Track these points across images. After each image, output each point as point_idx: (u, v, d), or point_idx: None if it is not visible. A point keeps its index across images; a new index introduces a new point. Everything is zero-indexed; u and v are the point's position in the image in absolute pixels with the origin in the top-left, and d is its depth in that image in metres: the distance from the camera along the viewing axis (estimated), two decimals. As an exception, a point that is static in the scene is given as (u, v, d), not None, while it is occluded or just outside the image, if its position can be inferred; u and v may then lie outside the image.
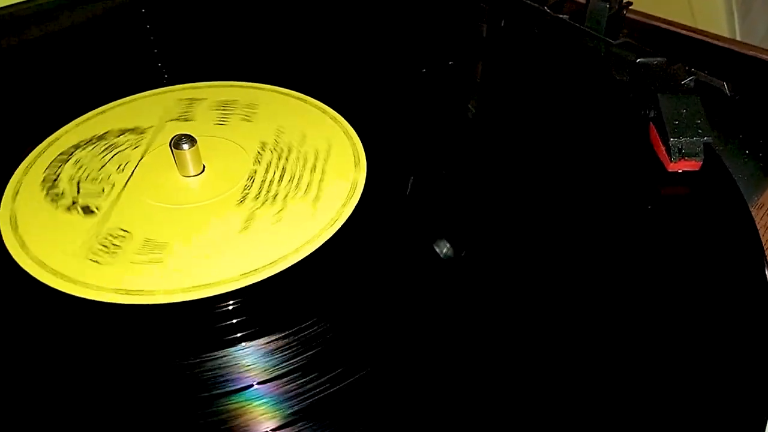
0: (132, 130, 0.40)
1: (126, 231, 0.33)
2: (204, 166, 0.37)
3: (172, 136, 0.36)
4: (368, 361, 0.28)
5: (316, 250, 0.32)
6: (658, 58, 0.40)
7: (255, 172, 0.37)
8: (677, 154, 0.36)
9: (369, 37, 0.51)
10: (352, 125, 0.40)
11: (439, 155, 0.40)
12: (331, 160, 0.38)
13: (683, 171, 0.37)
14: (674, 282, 0.31)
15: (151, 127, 0.40)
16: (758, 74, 0.44)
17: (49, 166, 0.37)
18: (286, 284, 0.31)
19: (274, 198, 0.35)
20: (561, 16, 0.46)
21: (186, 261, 0.32)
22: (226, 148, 0.38)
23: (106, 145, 0.38)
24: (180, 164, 0.36)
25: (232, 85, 0.44)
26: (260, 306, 0.30)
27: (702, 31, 0.49)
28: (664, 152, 0.37)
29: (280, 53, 0.48)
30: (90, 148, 0.38)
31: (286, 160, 0.38)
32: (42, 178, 0.36)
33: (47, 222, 0.34)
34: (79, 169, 0.37)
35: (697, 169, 0.36)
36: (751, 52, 0.45)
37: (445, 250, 0.33)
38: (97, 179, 0.36)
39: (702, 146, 0.36)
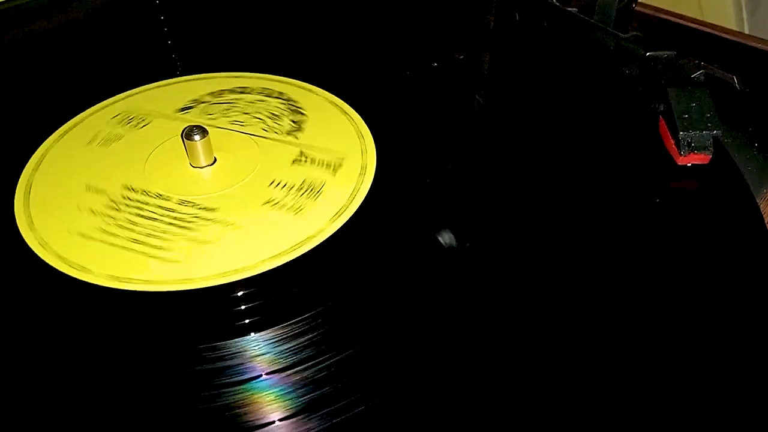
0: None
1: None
2: (215, 157, 0.37)
3: (184, 127, 0.37)
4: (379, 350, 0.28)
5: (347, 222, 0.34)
6: (668, 52, 0.40)
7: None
8: (686, 148, 0.36)
9: (377, 31, 0.51)
10: (366, 122, 0.40)
11: (449, 148, 0.40)
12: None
13: (692, 164, 0.37)
14: (682, 274, 0.31)
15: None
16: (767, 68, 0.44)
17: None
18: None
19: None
20: (570, 9, 0.46)
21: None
22: (236, 138, 0.39)
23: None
24: (191, 155, 0.36)
25: (240, 76, 0.44)
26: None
27: (711, 24, 0.49)
28: (673, 145, 0.37)
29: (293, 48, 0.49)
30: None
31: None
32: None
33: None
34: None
35: (706, 162, 0.37)
36: (760, 45, 0.45)
37: (451, 241, 0.33)
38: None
39: (711, 140, 0.36)
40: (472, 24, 0.51)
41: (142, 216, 0.34)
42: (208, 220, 0.34)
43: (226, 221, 0.33)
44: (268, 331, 0.28)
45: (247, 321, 0.29)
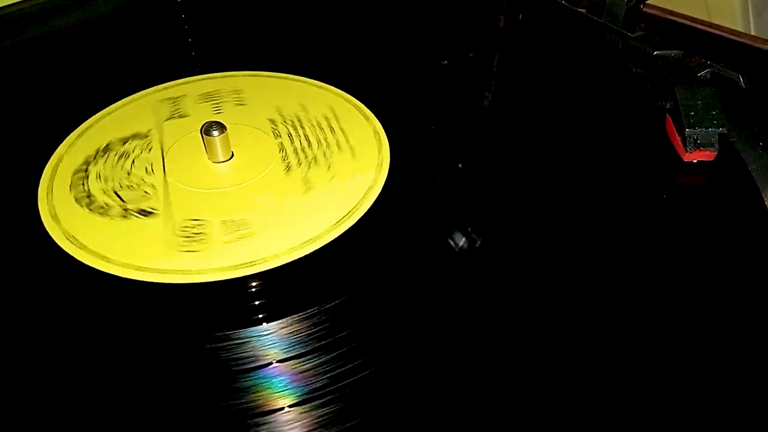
0: (134, 136, 0.40)
1: (198, 219, 0.34)
2: (232, 152, 0.38)
3: (203, 123, 0.38)
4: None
5: (379, 195, 0.35)
6: (675, 51, 0.41)
7: (281, 144, 0.39)
8: (692, 145, 0.37)
9: (387, 29, 0.52)
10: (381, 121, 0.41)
11: (459, 146, 0.41)
12: (342, 119, 0.40)
13: (698, 161, 0.37)
14: (688, 270, 0.32)
15: (151, 129, 0.40)
16: (773, 68, 0.45)
17: (72, 186, 0.37)
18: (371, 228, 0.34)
19: (315, 160, 0.37)
20: (579, 9, 0.46)
21: (273, 228, 0.34)
22: (242, 131, 0.40)
23: (117, 155, 0.39)
24: (211, 151, 0.37)
25: (204, 78, 0.45)
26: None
27: (717, 25, 0.50)
28: (679, 143, 0.38)
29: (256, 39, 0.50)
30: (102, 161, 0.38)
31: (302, 127, 0.40)
32: (74, 199, 0.36)
33: (114, 233, 0.34)
34: (106, 181, 0.37)
35: (711, 159, 0.37)
36: (765, 47, 0.45)
37: (462, 243, 0.34)
38: (132, 185, 0.37)
39: (717, 137, 0.37)
40: (482, 23, 0.52)
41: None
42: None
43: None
44: (281, 320, 0.29)
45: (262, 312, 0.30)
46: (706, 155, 0.37)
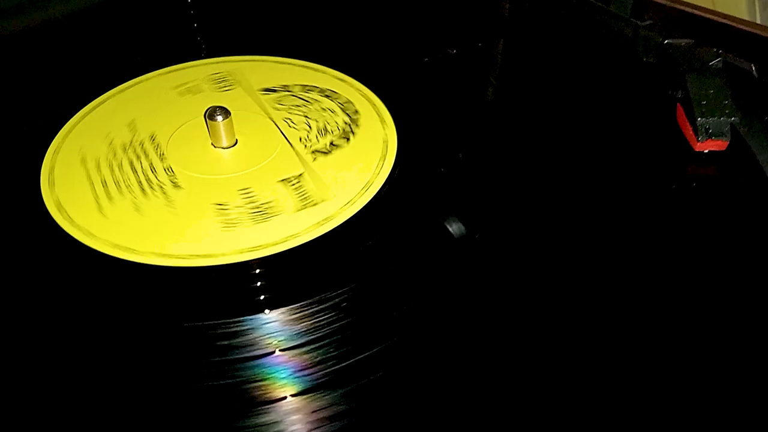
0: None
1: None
2: (236, 139, 0.37)
3: (207, 108, 0.37)
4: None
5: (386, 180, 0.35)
6: (686, 40, 0.41)
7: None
8: (704, 134, 0.37)
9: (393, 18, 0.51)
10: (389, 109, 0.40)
11: (467, 135, 0.40)
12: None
13: (709, 151, 0.37)
14: (698, 261, 0.31)
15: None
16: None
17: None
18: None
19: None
20: (587, -3, 0.46)
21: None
22: (243, 117, 0.39)
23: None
24: (214, 136, 0.37)
25: (208, 62, 0.44)
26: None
27: (724, 14, 0.49)
28: (690, 132, 0.37)
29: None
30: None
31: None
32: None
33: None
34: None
35: (723, 149, 0.37)
36: (775, 36, 0.45)
37: (458, 229, 0.33)
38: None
39: (728, 126, 0.37)
40: (490, 12, 0.51)
41: (132, 166, 0.36)
42: (164, 194, 0.34)
43: (172, 203, 0.34)
44: (284, 309, 0.29)
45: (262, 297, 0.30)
46: (718, 145, 0.37)
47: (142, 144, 0.37)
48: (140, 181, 0.35)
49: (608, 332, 0.28)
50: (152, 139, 0.38)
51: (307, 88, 0.42)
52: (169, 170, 0.36)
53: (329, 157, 0.37)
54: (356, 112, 0.40)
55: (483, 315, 0.29)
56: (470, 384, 0.27)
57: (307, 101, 0.41)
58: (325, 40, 0.47)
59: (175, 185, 0.35)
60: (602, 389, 0.26)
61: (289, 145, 0.37)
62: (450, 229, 0.33)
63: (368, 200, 0.34)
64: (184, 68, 0.43)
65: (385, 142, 0.38)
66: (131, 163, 0.36)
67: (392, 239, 0.33)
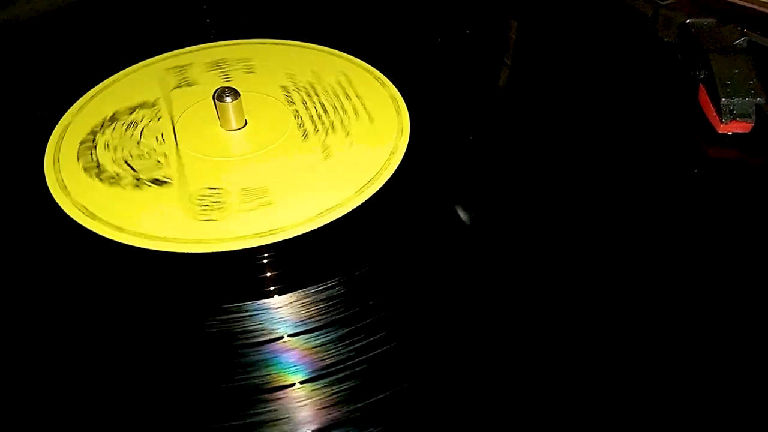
0: (141, 105, 0.38)
1: (215, 188, 0.33)
2: (246, 119, 0.37)
3: (215, 89, 0.36)
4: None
5: (401, 162, 0.34)
6: (708, 19, 0.39)
7: (297, 111, 0.37)
8: (728, 115, 0.35)
9: None
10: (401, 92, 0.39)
11: (481, 118, 0.39)
12: (356, 85, 0.39)
13: (733, 133, 0.36)
14: (721, 246, 0.30)
15: (159, 98, 0.39)
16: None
17: (80, 156, 0.35)
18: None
19: (333, 126, 0.36)
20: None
21: (291, 198, 0.32)
22: (254, 99, 0.38)
23: (125, 124, 0.37)
24: (224, 118, 0.36)
25: (212, 46, 0.43)
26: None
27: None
28: (714, 114, 0.36)
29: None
30: (109, 130, 0.37)
31: (317, 94, 0.38)
32: (83, 168, 0.34)
33: (125, 201, 0.32)
34: (115, 150, 0.35)
35: (747, 131, 0.36)
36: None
37: (464, 215, 0.33)
38: (143, 155, 0.35)
39: (753, 107, 0.35)
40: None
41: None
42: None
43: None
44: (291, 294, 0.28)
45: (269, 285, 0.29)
46: (742, 127, 0.36)
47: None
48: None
49: (628, 317, 0.28)
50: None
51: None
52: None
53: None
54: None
55: (495, 305, 0.28)
56: (481, 375, 0.26)
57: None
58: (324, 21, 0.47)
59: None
60: (620, 379, 0.26)
61: (302, 123, 0.37)
62: (461, 216, 0.32)
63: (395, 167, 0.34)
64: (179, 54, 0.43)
65: (398, 110, 0.37)
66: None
67: (413, 219, 0.32)
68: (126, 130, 0.37)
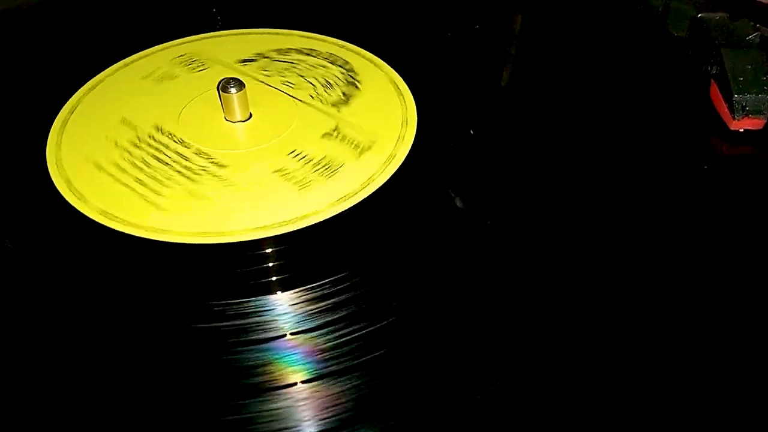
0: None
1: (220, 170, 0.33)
2: (251, 112, 0.36)
3: (220, 79, 0.35)
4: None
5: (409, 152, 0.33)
6: (720, 14, 0.39)
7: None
8: (741, 112, 0.35)
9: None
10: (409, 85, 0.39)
11: (490, 113, 0.39)
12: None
13: (745, 130, 0.35)
14: (732, 244, 0.30)
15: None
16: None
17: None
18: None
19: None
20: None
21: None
22: (261, 90, 0.38)
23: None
24: (228, 109, 0.35)
25: (217, 35, 0.43)
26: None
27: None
28: (726, 110, 0.36)
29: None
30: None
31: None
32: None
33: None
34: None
35: (760, 127, 0.35)
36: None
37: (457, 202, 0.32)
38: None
39: (767, 103, 0.35)
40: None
41: (157, 158, 0.33)
42: (215, 176, 0.33)
43: (230, 180, 0.32)
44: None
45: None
46: (755, 123, 0.35)
47: (152, 137, 0.35)
48: (180, 171, 0.33)
49: (642, 316, 0.27)
50: (159, 129, 0.35)
51: (282, 51, 0.41)
52: (201, 154, 0.34)
53: (350, 105, 0.36)
54: (346, 62, 0.40)
55: (505, 300, 0.28)
56: (490, 372, 0.25)
57: (292, 62, 0.40)
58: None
59: (218, 164, 0.33)
60: (634, 371, 0.25)
61: (305, 104, 0.37)
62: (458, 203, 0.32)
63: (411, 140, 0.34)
64: (144, 56, 0.41)
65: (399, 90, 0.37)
66: (156, 157, 0.34)
67: (423, 210, 0.32)
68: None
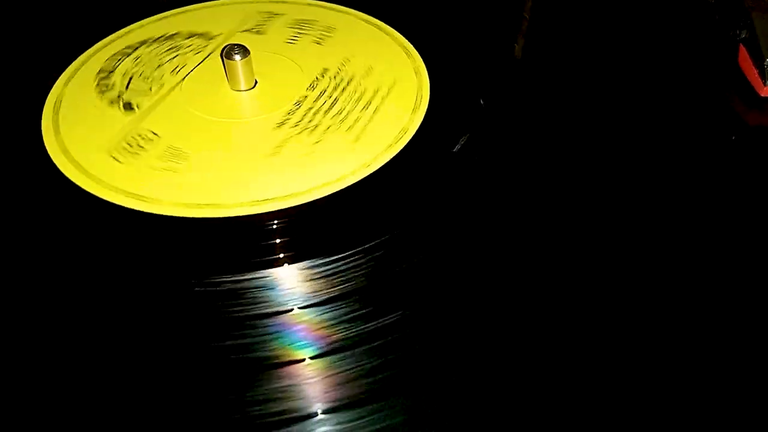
0: (201, 35, 0.38)
1: (155, 134, 0.32)
2: (256, 82, 0.35)
3: (224, 45, 0.34)
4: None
5: (342, 189, 0.30)
6: (750, -24, 0.37)
7: (305, 97, 0.34)
8: (772, 77, 0.33)
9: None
10: (425, 61, 0.37)
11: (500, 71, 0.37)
12: (390, 100, 0.34)
13: (776, 96, 0.34)
14: (762, 216, 0.29)
15: (221, 34, 0.38)
16: None
17: (111, 57, 0.37)
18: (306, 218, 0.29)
19: (315, 128, 0.33)
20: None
21: (201, 176, 0.30)
22: (286, 68, 0.36)
23: (171, 46, 0.37)
24: (231, 76, 0.34)
25: (313, 4, 0.41)
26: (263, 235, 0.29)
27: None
28: (756, 76, 0.35)
29: None
30: (155, 45, 0.37)
31: (342, 91, 0.35)
32: (99, 69, 0.36)
33: (88, 112, 0.33)
34: (137, 64, 0.36)
35: (791, 94, 0.34)
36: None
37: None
38: (149, 78, 0.35)
39: (799, 68, 0.33)
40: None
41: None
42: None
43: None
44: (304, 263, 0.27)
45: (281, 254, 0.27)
46: (786, 89, 0.34)
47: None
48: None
49: (674, 290, 0.26)
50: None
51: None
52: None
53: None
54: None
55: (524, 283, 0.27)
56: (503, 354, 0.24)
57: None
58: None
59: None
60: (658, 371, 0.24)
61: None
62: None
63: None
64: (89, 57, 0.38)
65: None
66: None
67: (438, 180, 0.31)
68: (166, 50, 0.37)
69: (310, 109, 0.34)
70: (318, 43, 0.38)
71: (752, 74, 0.34)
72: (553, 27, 0.41)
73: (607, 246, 0.27)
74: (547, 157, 0.32)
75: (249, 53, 0.33)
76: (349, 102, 0.34)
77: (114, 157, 0.31)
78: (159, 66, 0.36)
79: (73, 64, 0.36)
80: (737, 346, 0.24)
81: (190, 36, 0.38)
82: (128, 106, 0.33)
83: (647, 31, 0.39)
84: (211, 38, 0.38)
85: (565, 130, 0.33)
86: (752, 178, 0.31)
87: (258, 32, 0.38)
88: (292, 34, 0.38)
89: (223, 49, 0.34)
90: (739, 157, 0.32)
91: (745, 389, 0.23)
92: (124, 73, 0.35)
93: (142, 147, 0.31)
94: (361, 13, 0.40)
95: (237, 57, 0.33)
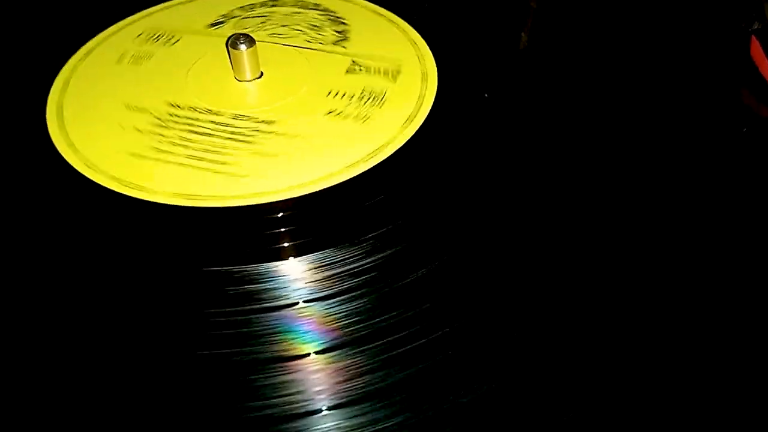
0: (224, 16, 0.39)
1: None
2: (262, 73, 0.35)
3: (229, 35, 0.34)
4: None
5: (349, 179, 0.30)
6: (763, -35, 0.37)
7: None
8: (785, 70, 0.33)
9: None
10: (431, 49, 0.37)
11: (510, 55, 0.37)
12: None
13: (788, 89, 0.34)
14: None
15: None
16: None
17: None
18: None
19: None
20: None
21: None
22: (292, 60, 0.36)
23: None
24: (237, 67, 0.34)
25: None
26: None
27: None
28: (768, 68, 0.34)
29: None
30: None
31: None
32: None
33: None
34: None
35: (805, 87, 0.33)
36: None
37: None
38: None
39: (813, 61, 0.33)
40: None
41: (195, 132, 0.32)
42: (269, 132, 0.32)
43: (288, 133, 0.31)
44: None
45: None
46: (800, 82, 0.33)
47: (174, 114, 0.33)
48: (230, 137, 0.31)
49: (687, 281, 0.26)
50: (175, 106, 0.33)
51: (246, 8, 0.39)
52: (240, 117, 0.32)
53: (351, 40, 0.36)
54: (317, 4, 0.39)
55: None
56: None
57: (263, 15, 0.38)
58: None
59: (266, 122, 0.32)
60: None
61: (309, 50, 0.36)
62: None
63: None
64: (100, 43, 0.38)
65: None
66: (192, 131, 0.32)
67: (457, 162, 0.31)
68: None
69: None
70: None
71: (765, 66, 0.34)
72: (560, 17, 0.41)
73: (617, 237, 0.28)
74: (555, 145, 0.32)
75: (255, 43, 0.33)
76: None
77: (362, 120, 0.32)
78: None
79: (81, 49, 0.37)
80: (744, 345, 0.24)
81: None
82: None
83: (658, 22, 0.39)
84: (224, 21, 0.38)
85: (574, 121, 0.33)
86: (764, 170, 0.30)
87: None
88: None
89: (228, 41, 0.34)
90: (750, 150, 0.32)
91: (745, 389, 0.23)
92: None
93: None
94: (365, 2, 0.40)
95: (242, 47, 0.33)
